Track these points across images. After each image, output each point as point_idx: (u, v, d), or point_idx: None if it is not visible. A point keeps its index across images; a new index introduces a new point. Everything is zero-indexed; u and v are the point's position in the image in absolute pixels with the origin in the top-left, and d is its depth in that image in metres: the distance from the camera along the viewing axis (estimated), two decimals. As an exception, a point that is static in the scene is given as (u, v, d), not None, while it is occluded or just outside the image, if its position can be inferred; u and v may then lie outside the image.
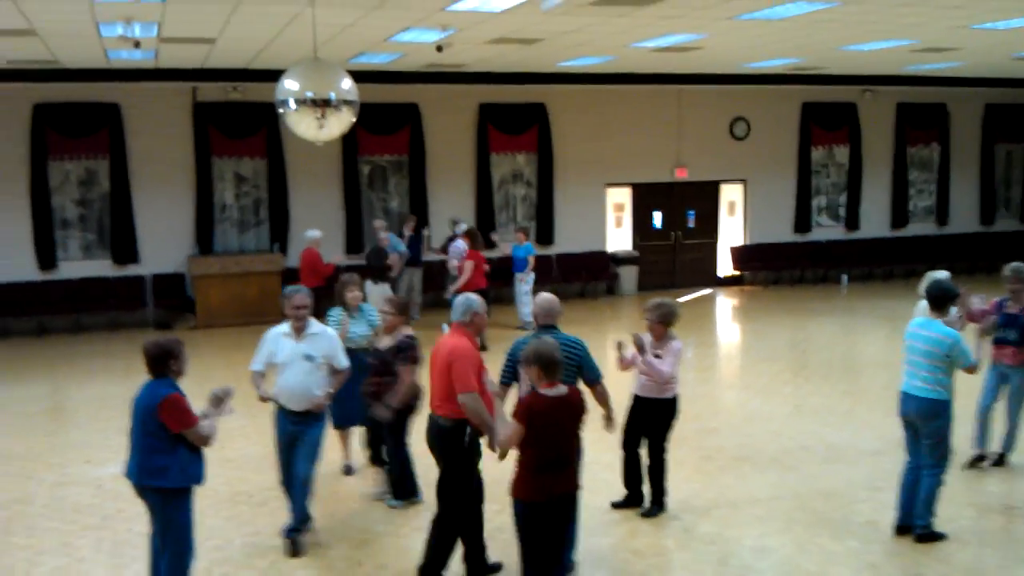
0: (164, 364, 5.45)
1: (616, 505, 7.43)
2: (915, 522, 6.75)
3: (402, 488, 7.57)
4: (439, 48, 12.34)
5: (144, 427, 5.41)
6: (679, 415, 7.28)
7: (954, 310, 7.36)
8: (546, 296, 6.50)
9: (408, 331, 7.41)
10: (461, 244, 14.36)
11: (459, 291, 13.53)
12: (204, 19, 10.92)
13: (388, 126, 17.42)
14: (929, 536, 6.70)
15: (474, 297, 6.25)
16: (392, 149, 17.63)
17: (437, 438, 6.07)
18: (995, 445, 8.35)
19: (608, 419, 6.48)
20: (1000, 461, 8.32)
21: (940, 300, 6.71)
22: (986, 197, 22.01)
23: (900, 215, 21.27)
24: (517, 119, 18.31)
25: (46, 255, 15.90)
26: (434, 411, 6.10)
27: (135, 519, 7.11)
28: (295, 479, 6.68)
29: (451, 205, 17.82)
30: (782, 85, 19.43)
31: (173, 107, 16.27)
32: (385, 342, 7.41)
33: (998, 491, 7.85)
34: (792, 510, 7.43)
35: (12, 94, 15.35)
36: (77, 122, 15.79)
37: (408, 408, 7.38)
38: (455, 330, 6.15)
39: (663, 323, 7.07)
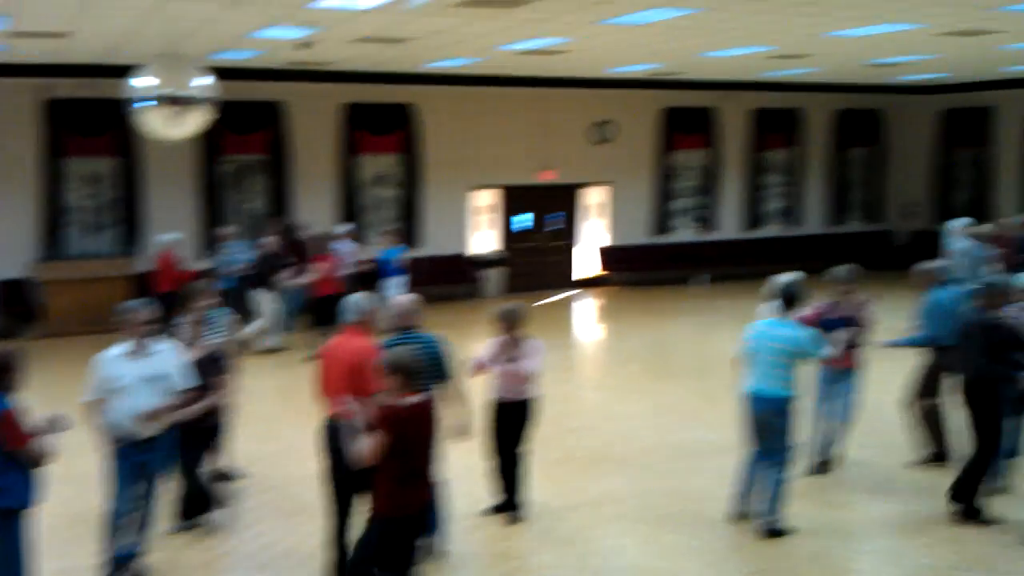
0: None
1: (489, 511, 7.36)
2: (763, 517, 6.96)
3: (191, 508, 7.18)
4: (302, 46, 12.03)
5: None
6: (539, 416, 7.29)
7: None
8: (403, 297, 6.51)
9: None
10: (346, 245, 14.10)
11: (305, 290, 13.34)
12: (58, 12, 10.32)
13: (250, 125, 16.91)
14: (778, 532, 6.90)
15: (362, 296, 6.20)
16: (254, 149, 17.12)
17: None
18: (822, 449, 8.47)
19: (461, 421, 6.45)
20: (824, 468, 8.33)
21: (790, 300, 6.91)
22: (836, 199, 22.97)
23: (754, 217, 21.99)
24: (384, 120, 18.07)
25: None
26: (334, 415, 5.90)
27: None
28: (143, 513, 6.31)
29: (315, 207, 17.45)
30: (644, 90, 19.79)
31: (20, 104, 15.37)
32: (197, 353, 6.97)
33: (830, 483, 8.15)
34: (648, 508, 7.59)
35: None
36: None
37: (208, 425, 7.01)
38: (353, 331, 5.98)
39: (512, 327, 7.07)
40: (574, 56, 14.84)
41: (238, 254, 14.50)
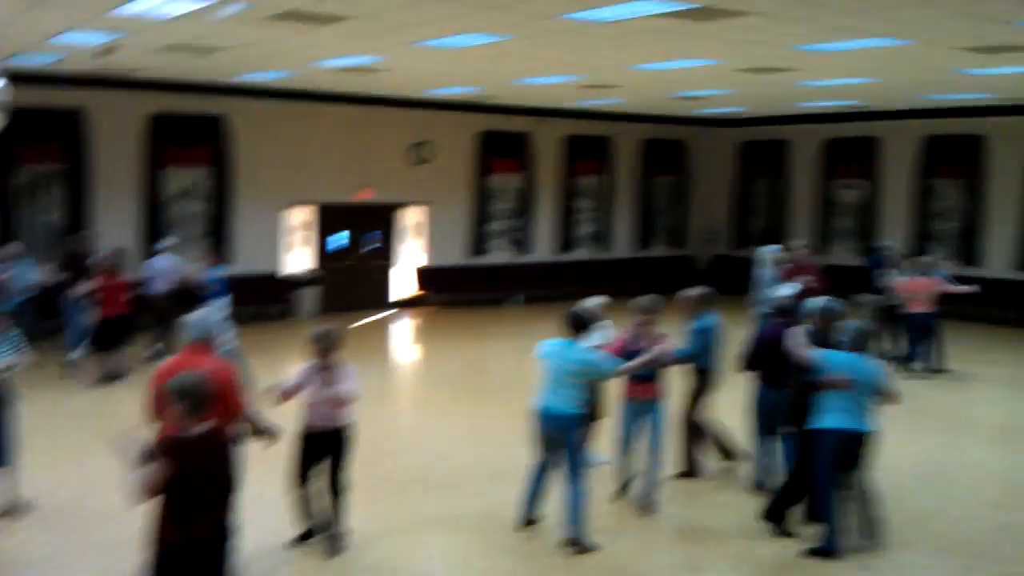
0: None
1: (295, 542, 7.16)
2: (568, 535, 7.10)
3: None
4: (104, 51, 11.53)
5: None
6: (355, 442, 7.17)
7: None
8: (199, 314, 6.28)
9: None
10: (164, 262, 13.51)
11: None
12: None
13: (47, 134, 16.03)
14: (585, 548, 7.08)
15: (204, 314, 6.06)
16: (51, 158, 16.21)
17: None
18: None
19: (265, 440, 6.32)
20: (624, 493, 8.42)
21: (579, 325, 7.20)
22: (642, 225, 23.86)
23: (567, 240, 22.57)
24: (193, 131, 17.51)
25: None
26: None
27: None
28: None
29: (117, 221, 16.70)
30: (462, 112, 20.02)
31: None
32: None
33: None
34: (458, 530, 7.59)
35: None
36: None
37: None
38: (196, 350, 5.80)
39: (327, 351, 6.85)
40: (391, 76, 14.85)
41: (25, 273, 13.69)
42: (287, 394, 6.86)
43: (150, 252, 15.70)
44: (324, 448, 6.91)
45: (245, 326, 14.74)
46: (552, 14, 9.91)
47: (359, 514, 7.67)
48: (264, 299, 18.30)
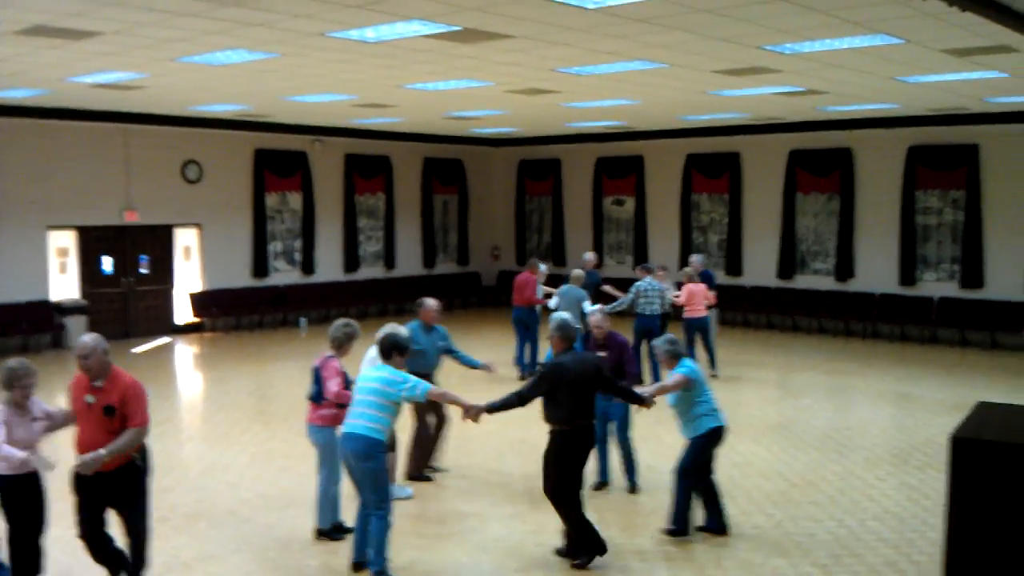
0: None
1: None
2: (370, 568, 6.81)
3: None
4: None
5: None
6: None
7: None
8: None
9: None
10: None
11: None
12: None
13: None
14: None
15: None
16: None
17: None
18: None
19: None
20: None
21: (388, 351, 6.97)
22: (427, 242, 24.02)
23: (351, 260, 22.41)
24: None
25: None
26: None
27: None
28: None
29: None
30: (235, 131, 19.53)
31: None
32: None
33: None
34: (249, 563, 7.30)
35: None
36: None
37: None
38: None
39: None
40: (153, 92, 14.31)
41: None
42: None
43: None
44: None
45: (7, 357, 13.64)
46: (318, 32, 9.85)
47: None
48: (30, 328, 17.15)
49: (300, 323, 20.69)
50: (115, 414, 6.08)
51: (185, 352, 18.11)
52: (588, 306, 12.87)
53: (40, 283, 17.71)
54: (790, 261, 20.40)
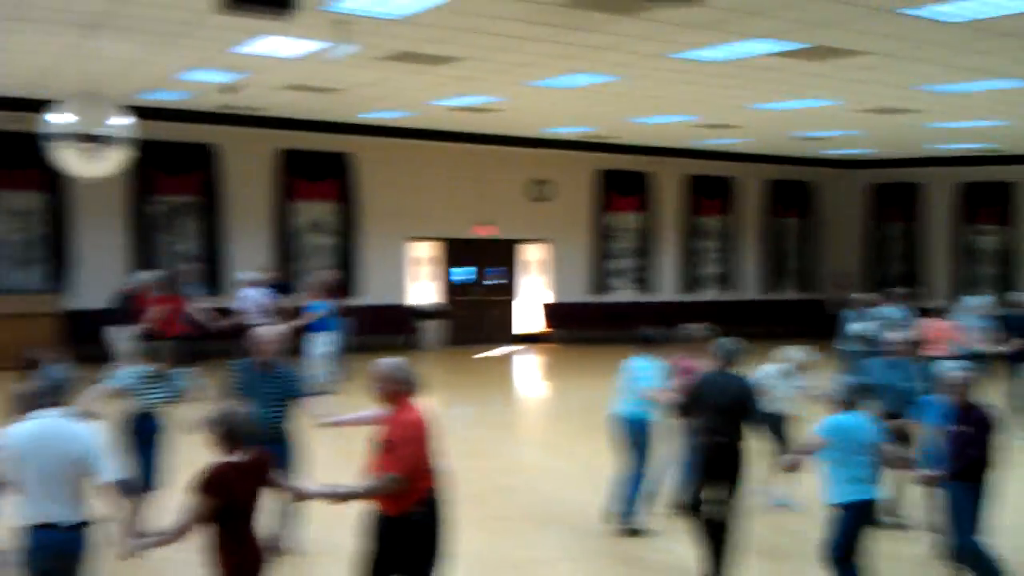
0: None
1: None
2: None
3: None
4: (225, 90, 12.07)
5: None
6: None
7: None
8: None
9: None
10: (252, 292, 13.88)
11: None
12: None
13: (181, 166, 16.84)
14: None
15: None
16: (186, 190, 17.02)
17: None
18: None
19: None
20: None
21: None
22: (768, 266, 23.34)
23: (690, 280, 22.28)
24: (321, 167, 18.11)
25: None
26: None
27: None
28: None
29: (249, 251, 17.34)
30: (580, 151, 20.09)
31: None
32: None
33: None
34: (578, 572, 7.42)
35: None
36: None
37: None
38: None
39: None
40: (507, 115, 15.04)
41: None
42: (340, 424, 6.58)
43: (283, 282, 16.23)
44: None
45: (372, 355, 14.74)
46: (661, 53, 9.88)
47: (472, 550, 7.55)
48: (390, 329, 18.69)
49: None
50: (385, 450, 5.28)
51: (528, 361, 18.85)
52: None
53: (400, 289, 19.22)
54: None
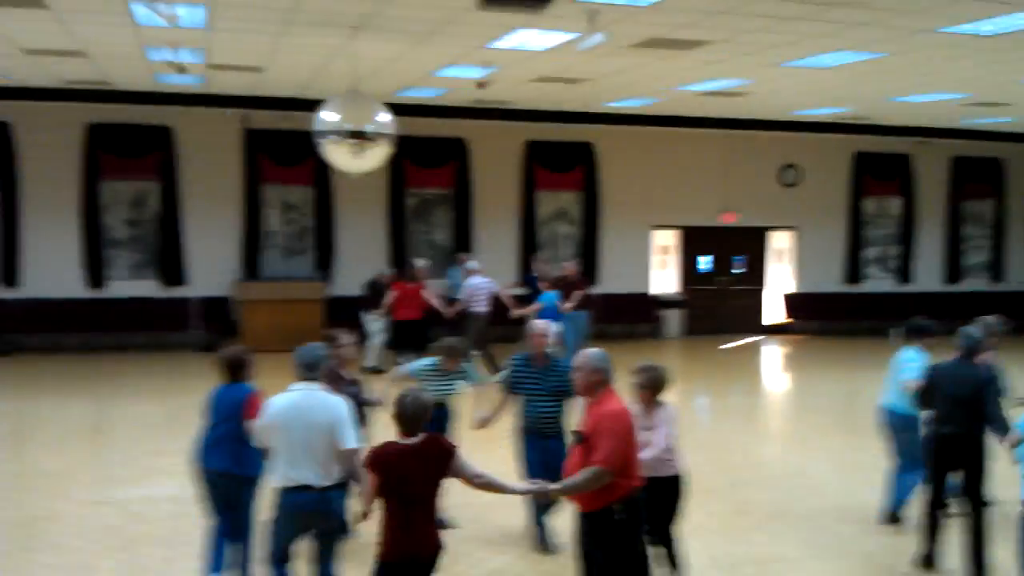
0: (241, 370, 6.20)
1: None
2: None
3: None
4: (480, 85, 12.42)
5: (228, 420, 6.04)
6: (686, 494, 6.32)
7: None
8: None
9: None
10: (478, 280, 14.25)
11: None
12: (249, 48, 11.13)
13: (434, 159, 17.54)
14: None
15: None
16: (438, 182, 17.73)
17: None
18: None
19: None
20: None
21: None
22: (1048, 255, 21.46)
23: (954, 269, 20.84)
24: (564, 157, 18.32)
25: (94, 273, 16.20)
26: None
27: (158, 543, 7.22)
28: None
29: (496, 240, 17.87)
30: (833, 134, 19.20)
31: (224, 132, 16.53)
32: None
33: None
34: (824, 572, 7.16)
35: (66, 113, 15.72)
36: (129, 143, 16.12)
37: None
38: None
39: (651, 389, 6.06)
40: (756, 98, 14.62)
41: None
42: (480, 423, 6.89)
43: (525, 270, 16.71)
44: (652, 496, 5.80)
45: (613, 343, 14.70)
46: (929, 28, 9.28)
47: (717, 543, 7.42)
48: (632, 318, 18.69)
49: (890, 333, 19.72)
50: (584, 443, 5.18)
51: (773, 353, 18.32)
52: None
53: (643, 278, 19.14)
54: None
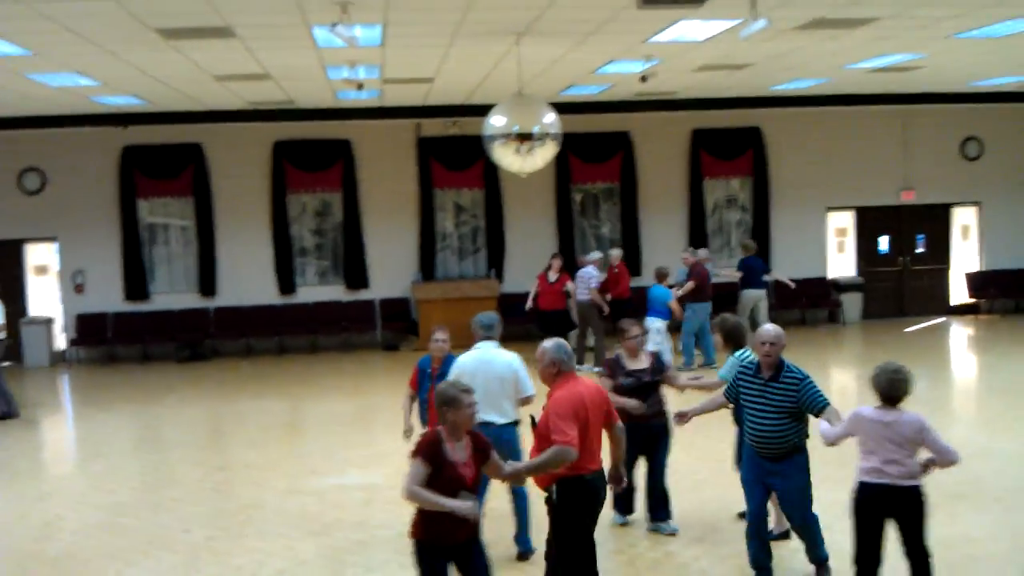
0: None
1: None
2: None
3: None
4: (643, 79, 12.52)
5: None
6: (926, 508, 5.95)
7: None
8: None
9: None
10: (589, 271, 14.33)
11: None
12: (421, 61, 11.65)
13: (599, 154, 17.75)
14: None
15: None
16: (603, 177, 17.94)
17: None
18: None
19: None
20: None
21: None
22: None
23: None
24: (731, 144, 18.16)
25: (286, 280, 17.28)
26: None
27: (353, 528, 7.70)
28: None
29: (663, 231, 17.92)
30: (1017, 104, 18.22)
31: (398, 142, 17.31)
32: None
33: None
34: (1010, 552, 6.96)
35: (255, 133, 16.84)
36: (312, 157, 17.12)
37: None
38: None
39: (879, 394, 5.76)
40: (930, 71, 14.11)
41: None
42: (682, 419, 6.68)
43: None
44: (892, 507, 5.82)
45: (788, 330, 14.40)
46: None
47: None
48: (808, 303, 18.33)
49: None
50: (535, 427, 5.45)
51: (959, 333, 17.60)
52: None
53: (819, 261, 18.72)
54: None
